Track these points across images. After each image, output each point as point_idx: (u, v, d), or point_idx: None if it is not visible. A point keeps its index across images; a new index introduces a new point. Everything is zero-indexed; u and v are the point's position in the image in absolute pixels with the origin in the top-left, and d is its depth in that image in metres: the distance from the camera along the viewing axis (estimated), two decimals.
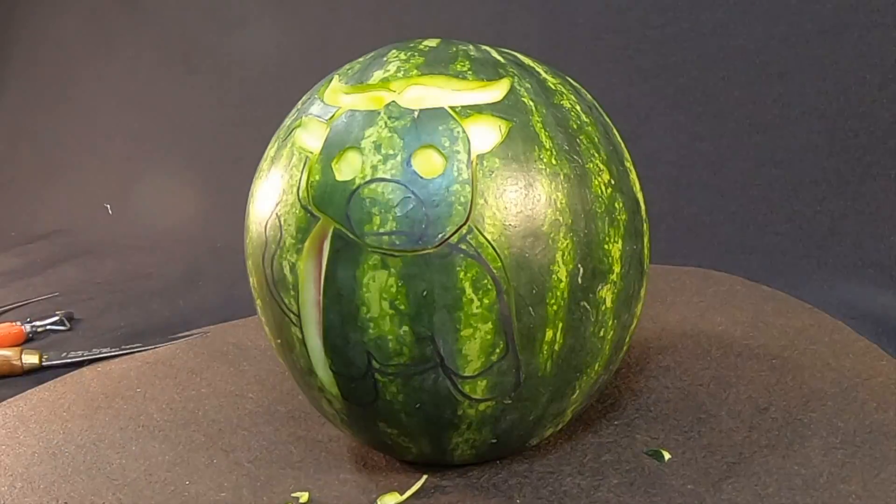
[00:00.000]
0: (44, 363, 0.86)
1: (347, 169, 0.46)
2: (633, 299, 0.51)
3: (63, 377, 0.80)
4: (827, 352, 0.65)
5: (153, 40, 1.58)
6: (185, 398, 0.71)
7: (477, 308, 0.45)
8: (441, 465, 0.55)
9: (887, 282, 0.79)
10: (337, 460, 0.58)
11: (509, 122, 0.47)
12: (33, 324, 0.98)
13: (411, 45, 0.51)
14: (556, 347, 0.48)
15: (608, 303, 0.49)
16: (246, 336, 0.85)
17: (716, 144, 0.98)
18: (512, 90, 0.48)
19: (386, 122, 0.46)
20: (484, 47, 0.52)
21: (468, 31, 1.15)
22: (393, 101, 0.47)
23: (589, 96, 0.54)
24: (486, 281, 0.45)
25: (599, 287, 0.48)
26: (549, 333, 0.47)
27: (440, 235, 0.45)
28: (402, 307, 0.45)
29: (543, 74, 0.52)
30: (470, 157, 0.45)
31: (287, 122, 0.53)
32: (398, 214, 0.45)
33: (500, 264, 0.45)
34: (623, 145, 0.53)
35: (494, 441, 0.51)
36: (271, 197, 0.50)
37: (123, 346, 0.88)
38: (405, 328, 0.45)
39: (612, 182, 0.49)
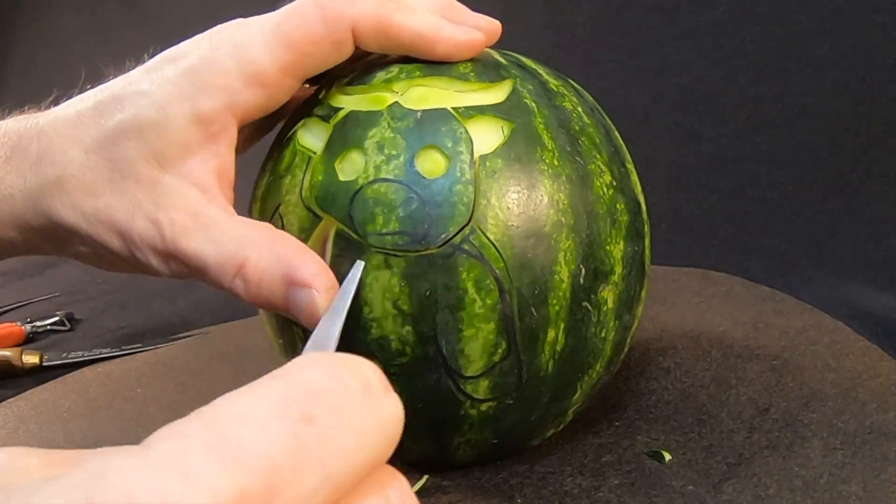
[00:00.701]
0: (44, 363, 0.86)
1: (350, 169, 0.46)
2: (635, 300, 0.51)
3: (63, 377, 0.80)
4: (827, 352, 0.65)
5: (153, 40, 1.58)
6: (186, 398, 0.71)
7: (479, 308, 0.45)
8: (442, 466, 0.55)
9: (887, 282, 0.79)
10: None
11: (512, 123, 0.47)
12: (33, 324, 0.98)
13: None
14: (558, 348, 0.48)
15: (610, 303, 0.49)
16: (247, 336, 0.85)
17: (716, 144, 0.98)
18: (514, 92, 0.48)
19: (389, 123, 0.46)
20: (486, 49, 0.52)
21: None
22: (396, 102, 0.47)
23: (590, 98, 0.54)
24: (488, 281, 0.45)
25: (601, 288, 0.48)
26: (551, 334, 0.47)
27: (443, 236, 0.45)
28: (405, 307, 0.45)
29: (545, 76, 0.52)
30: (472, 157, 0.45)
31: (289, 122, 0.53)
32: (401, 215, 0.45)
33: (502, 265, 0.45)
34: (624, 147, 0.53)
35: (496, 441, 0.51)
36: (273, 197, 0.50)
37: (124, 347, 0.88)
38: (408, 328, 0.45)
39: (614, 183, 0.49)
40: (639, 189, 0.53)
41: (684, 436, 0.56)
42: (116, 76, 0.51)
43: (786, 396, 0.59)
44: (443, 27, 0.48)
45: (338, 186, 0.46)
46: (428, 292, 0.45)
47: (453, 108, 0.47)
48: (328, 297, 0.43)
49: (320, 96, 0.51)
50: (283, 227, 0.49)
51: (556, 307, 0.47)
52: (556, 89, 0.51)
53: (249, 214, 0.53)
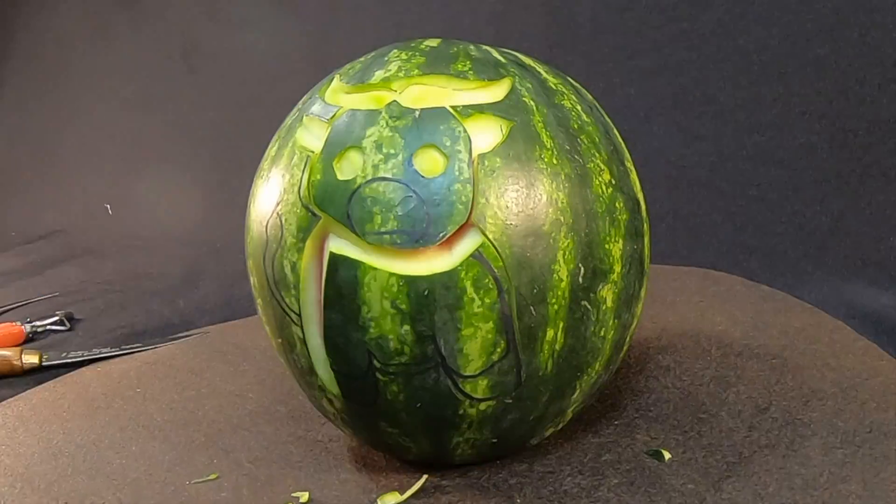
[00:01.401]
0: (44, 363, 0.86)
1: (349, 168, 0.46)
2: (634, 299, 0.51)
3: (63, 377, 0.80)
4: (827, 352, 0.65)
5: (153, 40, 1.58)
6: (185, 398, 0.71)
7: (478, 307, 0.45)
8: (441, 465, 0.55)
9: (887, 282, 0.79)
10: (337, 460, 0.58)
11: (510, 121, 0.47)
12: (33, 324, 0.98)
13: (412, 44, 0.51)
14: (557, 347, 0.48)
15: (609, 302, 0.49)
16: (246, 336, 0.85)
17: (716, 144, 0.98)
18: (513, 90, 0.48)
19: (387, 122, 0.46)
20: (484, 47, 0.52)
21: (468, 31, 1.15)
22: (394, 101, 0.47)
23: (589, 96, 0.54)
24: (487, 280, 0.45)
25: (600, 287, 0.48)
26: (549, 333, 0.47)
27: (441, 234, 0.45)
28: (403, 306, 0.45)
29: (544, 74, 0.52)
30: (471, 156, 0.45)
31: (288, 121, 0.53)
32: (399, 214, 0.45)
33: (501, 263, 0.45)
34: (623, 145, 0.53)
35: (495, 441, 0.51)
36: (272, 196, 0.50)
37: (123, 346, 0.88)
38: (406, 327, 0.45)
39: (613, 182, 0.49)
40: (638, 187, 0.53)
41: (684, 434, 0.56)
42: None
43: (785, 395, 0.59)
44: None
45: (336, 185, 0.46)
46: (426, 291, 0.45)
47: (452, 107, 0.47)
48: None
49: (319, 94, 0.51)
50: (281, 227, 0.49)
51: (555, 306, 0.47)
52: (555, 87, 0.51)
53: (248, 214, 0.53)
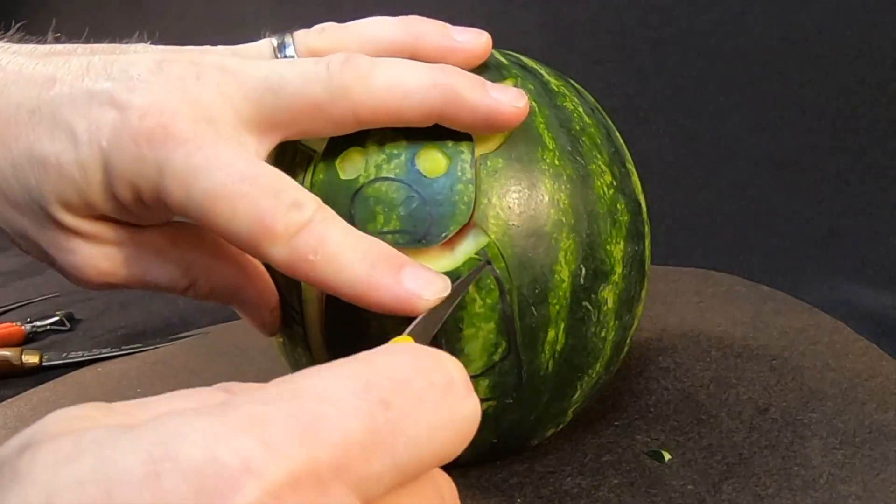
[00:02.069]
0: (44, 363, 0.86)
1: (351, 168, 0.46)
2: (635, 300, 0.51)
3: (63, 377, 0.80)
4: (827, 352, 0.65)
5: (153, 40, 1.58)
6: None
7: (479, 307, 0.45)
8: (441, 465, 0.55)
9: (887, 282, 0.79)
10: None
11: None
12: (33, 324, 0.98)
13: None
14: (558, 347, 0.48)
15: (610, 303, 0.49)
16: (246, 336, 0.85)
17: (716, 144, 0.98)
18: None
19: None
20: None
21: None
22: None
23: (591, 98, 0.54)
24: (488, 280, 0.45)
25: (601, 287, 0.48)
26: (550, 333, 0.47)
27: (443, 234, 0.45)
28: None
29: (546, 76, 0.52)
30: (473, 157, 0.45)
31: None
32: (402, 214, 0.45)
33: (503, 264, 0.45)
34: (625, 147, 0.53)
35: (495, 441, 0.51)
36: None
37: (123, 346, 0.88)
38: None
39: (615, 183, 0.49)
40: (639, 189, 0.53)
41: (684, 435, 0.56)
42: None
43: (785, 396, 0.59)
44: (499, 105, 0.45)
45: (339, 185, 0.46)
46: None
47: None
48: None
49: None
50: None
51: (557, 307, 0.47)
52: (557, 89, 0.51)
53: None
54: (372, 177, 0.46)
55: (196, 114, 0.41)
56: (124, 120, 0.40)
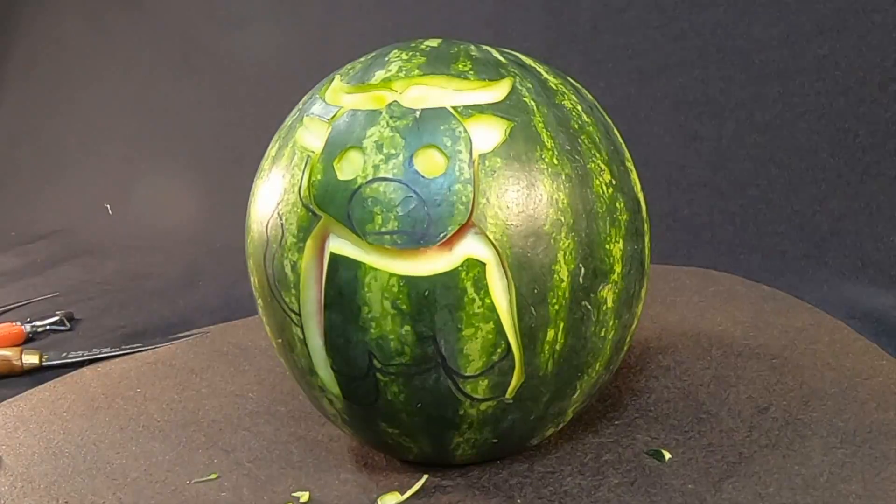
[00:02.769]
0: (44, 363, 0.86)
1: (349, 168, 0.46)
2: (634, 299, 0.51)
3: (63, 377, 0.80)
4: (827, 352, 0.65)
5: (153, 40, 1.58)
6: (185, 398, 0.71)
7: (478, 308, 0.45)
8: (442, 465, 0.55)
9: (887, 282, 0.79)
10: (337, 460, 0.58)
11: (511, 121, 0.47)
12: (33, 324, 0.98)
13: (413, 44, 0.51)
14: (558, 347, 0.48)
15: (609, 303, 0.49)
16: (246, 336, 0.85)
17: (716, 144, 0.98)
18: (513, 90, 0.48)
19: (388, 122, 0.46)
20: (485, 47, 0.52)
21: (468, 31, 1.15)
22: (395, 101, 0.47)
23: (590, 96, 0.54)
24: (487, 280, 0.45)
25: (601, 287, 0.48)
26: (550, 333, 0.47)
27: (442, 235, 0.45)
28: (404, 307, 0.45)
29: (544, 74, 0.52)
30: (472, 156, 0.45)
31: (288, 121, 0.53)
32: (400, 214, 0.45)
33: (502, 264, 0.45)
34: (624, 145, 0.53)
35: (495, 441, 0.51)
36: (273, 196, 0.50)
37: (123, 346, 0.88)
38: (407, 328, 0.45)
39: (614, 182, 0.49)
40: (638, 188, 0.53)
41: (684, 434, 0.56)
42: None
43: (786, 395, 0.59)
44: None
45: (336, 186, 0.46)
46: (427, 292, 0.45)
47: (452, 107, 0.47)
48: None
49: (319, 95, 0.51)
50: (281, 227, 0.49)
51: (556, 306, 0.47)
52: (555, 88, 0.51)
53: (248, 214, 0.53)
54: (370, 177, 0.46)
55: None
56: None
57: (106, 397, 0.73)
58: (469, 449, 0.52)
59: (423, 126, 0.46)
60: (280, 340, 0.52)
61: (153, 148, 1.54)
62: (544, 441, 0.56)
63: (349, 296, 0.46)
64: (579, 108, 0.51)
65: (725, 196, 0.96)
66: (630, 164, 0.52)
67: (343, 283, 0.46)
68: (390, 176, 0.45)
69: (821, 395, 0.58)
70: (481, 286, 0.45)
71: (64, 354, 0.87)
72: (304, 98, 0.53)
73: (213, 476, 0.57)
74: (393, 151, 0.46)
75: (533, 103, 0.48)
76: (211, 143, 1.45)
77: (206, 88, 1.49)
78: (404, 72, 0.49)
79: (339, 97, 0.50)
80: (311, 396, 0.54)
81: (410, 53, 0.50)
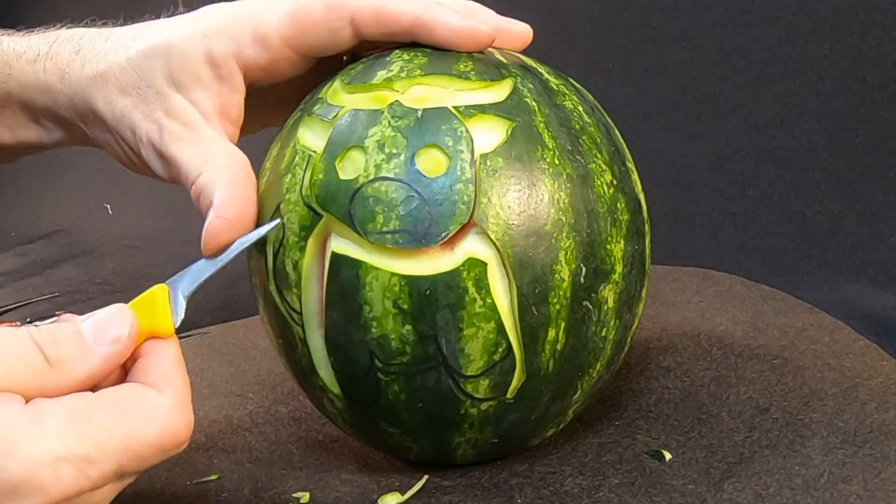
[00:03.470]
0: None
1: (351, 168, 0.46)
2: (635, 299, 0.51)
3: None
4: (827, 352, 0.65)
5: None
6: None
7: (480, 307, 0.45)
8: (442, 465, 0.55)
9: (887, 282, 0.79)
10: (338, 460, 0.58)
11: (512, 122, 0.47)
12: (33, 324, 0.97)
13: (414, 45, 0.51)
14: (559, 347, 0.48)
15: (610, 303, 0.49)
16: (246, 336, 0.85)
17: (716, 144, 0.98)
18: (515, 90, 0.48)
19: (389, 122, 0.46)
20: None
21: None
22: (396, 101, 0.47)
23: (591, 97, 0.54)
24: (488, 280, 0.45)
25: (602, 287, 0.48)
26: (551, 333, 0.47)
27: (443, 234, 0.45)
28: (405, 306, 0.45)
29: (546, 75, 0.52)
30: (473, 156, 0.45)
31: (290, 121, 0.53)
32: (402, 213, 0.45)
33: (503, 263, 0.45)
34: (625, 146, 0.53)
35: (496, 441, 0.51)
36: (274, 195, 0.50)
37: None
38: (408, 327, 0.45)
39: (615, 182, 0.49)
40: (639, 188, 0.53)
41: (684, 435, 0.56)
42: None
43: (786, 395, 0.59)
44: (440, 11, 0.50)
45: (338, 185, 0.46)
46: (428, 291, 0.45)
47: (454, 107, 0.47)
48: (228, 235, 0.49)
49: (321, 95, 0.51)
50: (283, 226, 0.49)
51: (557, 306, 0.47)
52: (556, 88, 0.51)
53: None
54: (371, 176, 0.46)
55: None
56: None
57: None
58: (470, 449, 0.52)
59: (425, 126, 0.46)
60: (281, 340, 0.52)
61: None
62: (545, 441, 0.56)
63: (350, 295, 0.46)
64: (580, 108, 0.51)
65: (725, 196, 0.96)
66: (631, 165, 0.52)
67: (344, 282, 0.46)
68: (392, 175, 0.45)
69: (821, 396, 0.58)
70: (482, 286, 0.45)
71: None
72: (306, 97, 0.53)
73: (213, 477, 0.57)
74: (395, 151, 0.46)
75: (534, 104, 0.48)
76: None
77: None
78: (406, 72, 0.49)
79: (340, 97, 0.50)
80: (311, 396, 0.54)
81: (412, 53, 0.50)
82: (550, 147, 0.47)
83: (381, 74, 0.49)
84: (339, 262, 0.46)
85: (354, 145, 0.47)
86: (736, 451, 0.53)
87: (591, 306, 0.48)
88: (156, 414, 0.41)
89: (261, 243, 0.51)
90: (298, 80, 0.55)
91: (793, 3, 0.93)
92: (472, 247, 0.45)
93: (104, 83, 0.54)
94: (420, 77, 0.48)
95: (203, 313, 0.99)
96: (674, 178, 0.99)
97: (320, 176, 0.47)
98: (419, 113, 0.46)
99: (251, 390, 0.71)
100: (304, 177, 0.48)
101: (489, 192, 0.45)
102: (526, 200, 0.46)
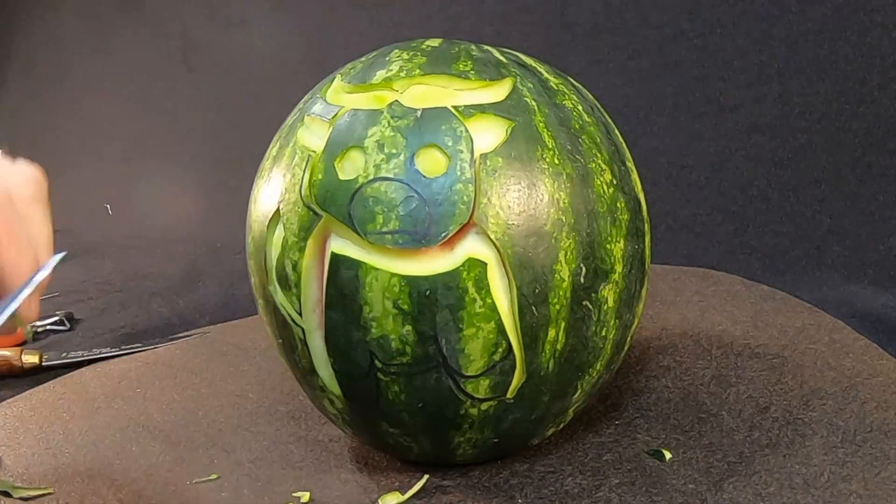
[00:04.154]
0: (44, 363, 0.86)
1: (350, 168, 0.46)
2: (635, 299, 0.51)
3: (63, 377, 0.80)
4: (827, 351, 0.65)
5: (153, 40, 1.58)
6: (185, 398, 0.71)
7: (480, 307, 0.45)
8: (442, 465, 0.55)
9: (887, 282, 0.79)
10: (338, 460, 0.58)
11: (512, 121, 0.47)
12: (33, 324, 0.98)
13: (413, 44, 0.51)
14: (559, 347, 0.48)
15: (610, 302, 0.49)
16: (246, 336, 0.85)
17: (716, 144, 0.98)
18: (514, 90, 0.48)
19: (389, 122, 0.46)
20: (486, 47, 0.52)
21: (468, 31, 1.15)
22: (396, 101, 0.47)
23: (590, 96, 0.54)
24: (488, 280, 0.45)
25: (601, 286, 0.48)
26: (551, 333, 0.47)
27: (443, 234, 0.45)
28: (405, 306, 0.45)
29: (545, 74, 0.52)
30: (473, 156, 0.45)
31: (289, 121, 0.53)
32: (401, 213, 0.45)
33: (503, 263, 0.45)
34: (624, 145, 0.53)
35: (496, 441, 0.51)
36: (273, 196, 0.50)
37: (123, 346, 0.88)
38: (408, 327, 0.45)
39: (614, 182, 0.49)
40: (639, 187, 0.53)
41: (685, 434, 0.56)
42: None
43: (786, 395, 0.59)
44: None
45: (338, 185, 0.46)
46: (428, 291, 0.45)
47: (453, 107, 0.47)
48: None
49: (320, 94, 0.51)
50: (282, 226, 0.49)
51: (557, 306, 0.47)
52: (556, 87, 0.51)
53: (249, 214, 0.53)
54: (371, 176, 0.46)
55: None
56: None
57: (106, 397, 0.73)
58: (470, 449, 0.52)
59: (425, 126, 0.46)
60: (281, 340, 0.52)
61: (153, 148, 1.54)
62: (545, 441, 0.56)
63: (350, 295, 0.46)
64: (580, 107, 0.51)
65: (725, 196, 0.96)
66: (631, 164, 0.52)
67: (344, 282, 0.46)
68: (391, 175, 0.45)
69: (821, 395, 0.58)
70: (482, 286, 0.45)
71: (64, 354, 0.87)
72: (305, 98, 0.53)
73: (213, 476, 0.57)
74: (394, 151, 0.46)
75: (534, 103, 0.48)
76: (211, 143, 1.45)
77: (206, 88, 1.49)
78: (405, 71, 0.49)
79: (340, 97, 0.50)
80: (311, 396, 0.54)
81: (411, 53, 0.50)
82: (550, 146, 0.47)
83: (381, 74, 0.49)
84: (339, 263, 0.46)
85: (354, 145, 0.47)
86: (736, 451, 0.53)
87: (590, 306, 0.48)
88: None
89: (261, 243, 0.51)
90: None
91: (793, 3, 0.93)
92: (471, 247, 0.45)
93: None
94: (419, 76, 0.48)
95: (203, 313, 0.99)
96: (674, 178, 0.99)
97: (320, 176, 0.47)
98: (418, 113, 0.46)
99: (251, 390, 0.71)
100: (303, 177, 0.48)
101: (489, 192, 0.45)
102: (526, 200, 0.46)
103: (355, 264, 0.46)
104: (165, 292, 1.11)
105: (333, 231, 0.47)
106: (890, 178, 0.85)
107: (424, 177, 0.45)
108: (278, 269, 0.49)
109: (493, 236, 0.45)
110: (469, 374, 0.47)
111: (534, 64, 0.52)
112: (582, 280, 0.47)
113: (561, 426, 0.55)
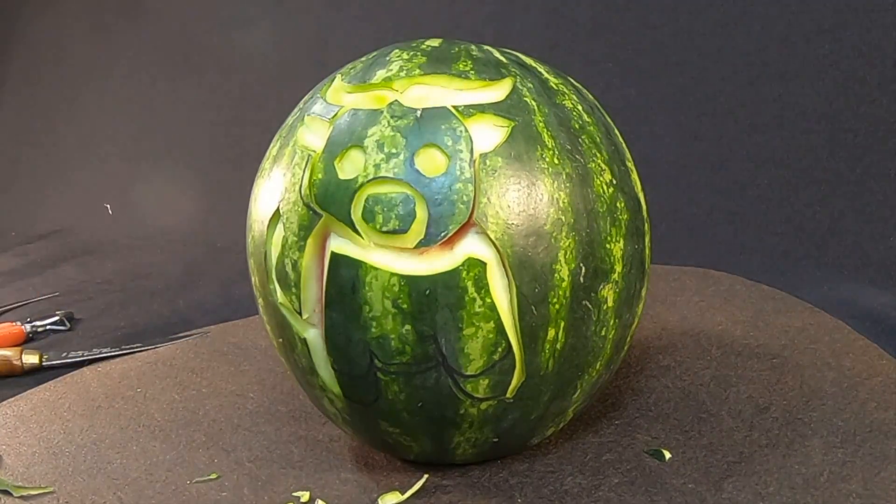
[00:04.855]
0: (44, 363, 0.86)
1: (350, 167, 0.46)
2: (635, 299, 0.51)
3: (63, 377, 0.80)
4: (827, 351, 0.65)
5: (153, 40, 1.58)
6: (185, 398, 0.71)
7: (479, 307, 0.45)
8: (442, 465, 0.55)
9: (887, 282, 0.79)
10: (338, 460, 0.58)
11: (512, 121, 0.47)
12: (33, 324, 0.98)
13: (413, 44, 0.51)
14: (558, 346, 0.48)
15: (610, 302, 0.49)
16: (246, 336, 0.85)
17: (716, 144, 0.98)
18: (514, 90, 0.48)
19: (389, 121, 0.46)
20: (486, 47, 0.52)
21: (468, 31, 1.15)
22: (396, 101, 0.47)
23: (590, 96, 0.54)
24: (488, 280, 0.45)
25: (601, 286, 0.48)
26: (551, 332, 0.47)
27: (443, 234, 0.45)
28: (405, 306, 0.45)
29: (545, 74, 0.52)
30: (472, 156, 0.45)
31: (289, 120, 0.53)
32: (401, 213, 0.45)
33: (502, 263, 0.45)
34: (624, 145, 0.53)
35: (496, 440, 0.51)
36: (273, 195, 0.50)
37: (123, 346, 0.88)
38: (407, 327, 0.45)
39: (614, 182, 0.49)
40: (639, 187, 0.53)
41: (684, 434, 0.56)
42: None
43: (786, 395, 0.59)
44: None
45: (338, 185, 0.46)
46: (428, 291, 0.45)
47: (453, 107, 0.47)
48: None
49: (320, 94, 0.51)
50: (282, 226, 0.49)
51: (557, 306, 0.47)
52: (556, 87, 0.51)
53: (249, 214, 0.53)
54: (371, 176, 0.46)
55: None
56: None
57: (106, 397, 0.73)
58: (469, 448, 0.52)
59: (424, 125, 0.46)
60: (281, 340, 0.52)
61: (153, 148, 1.53)
62: (545, 440, 0.56)
63: (350, 295, 0.46)
64: (580, 107, 0.51)
65: (725, 196, 0.96)
66: (630, 164, 0.52)
67: (344, 282, 0.46)
68: (391, 175, 0.45)
69: (821, 395, 0.58)
70: (482, 285, 0.45)
71: (64, 354, 0.87)
72: (305, 97, 0.53)
73: (213, 476, 0.57)
74: (394, 151, 0.46)
75: (534, 103, 0.48)
76: (211, 143, 1.45)
77: (206, 88, 1.49)
78: (405, 71, 0.49)
79: (340, 96, 0.50)
80: (311, 396, 0.54)
81: (411, 53, 0.50)
82: (550, 146, 0.47)
83: (381, 74, 0.49)
84: (339, 262, 0.46)
85: (354, 145, 0.47)
86: (736, 450, 0.53)
87: (590, 306, 0.48)
88: None
89: (261, 243, 0.51)
90: None
91: (793, 3, 0.93)
92: (471, 246, 0.45)
93: None
94: (419, 76, 0.48)
95: (203, 313, 0.99)
96: (674, 178, 0.99)
97: (320, 176, 0.47)
98: (418, 112, 0.46)
99: (251, 390, 0.71)
100: (303, 177, 0.48)
101: (488, 192, 0.45)
102: (525, 200, 0.46)
103: (355, 264, 0.46)
104: (165, 292, 1.11)
105: (333, 230, 0.47)
106: (890, 178, 0.85)
107: (424, 176, 0.45)
108: (278, 269, 0.49)
109: (492, 236, 0.45)
110: (468, 373, 0.47)
111: (534, 64, 0.52)
112: (581, 280, 0.47)
113: (561, 426, 0.55)
